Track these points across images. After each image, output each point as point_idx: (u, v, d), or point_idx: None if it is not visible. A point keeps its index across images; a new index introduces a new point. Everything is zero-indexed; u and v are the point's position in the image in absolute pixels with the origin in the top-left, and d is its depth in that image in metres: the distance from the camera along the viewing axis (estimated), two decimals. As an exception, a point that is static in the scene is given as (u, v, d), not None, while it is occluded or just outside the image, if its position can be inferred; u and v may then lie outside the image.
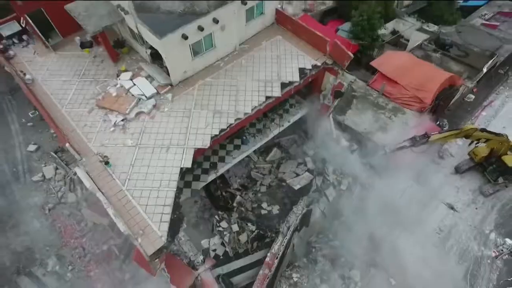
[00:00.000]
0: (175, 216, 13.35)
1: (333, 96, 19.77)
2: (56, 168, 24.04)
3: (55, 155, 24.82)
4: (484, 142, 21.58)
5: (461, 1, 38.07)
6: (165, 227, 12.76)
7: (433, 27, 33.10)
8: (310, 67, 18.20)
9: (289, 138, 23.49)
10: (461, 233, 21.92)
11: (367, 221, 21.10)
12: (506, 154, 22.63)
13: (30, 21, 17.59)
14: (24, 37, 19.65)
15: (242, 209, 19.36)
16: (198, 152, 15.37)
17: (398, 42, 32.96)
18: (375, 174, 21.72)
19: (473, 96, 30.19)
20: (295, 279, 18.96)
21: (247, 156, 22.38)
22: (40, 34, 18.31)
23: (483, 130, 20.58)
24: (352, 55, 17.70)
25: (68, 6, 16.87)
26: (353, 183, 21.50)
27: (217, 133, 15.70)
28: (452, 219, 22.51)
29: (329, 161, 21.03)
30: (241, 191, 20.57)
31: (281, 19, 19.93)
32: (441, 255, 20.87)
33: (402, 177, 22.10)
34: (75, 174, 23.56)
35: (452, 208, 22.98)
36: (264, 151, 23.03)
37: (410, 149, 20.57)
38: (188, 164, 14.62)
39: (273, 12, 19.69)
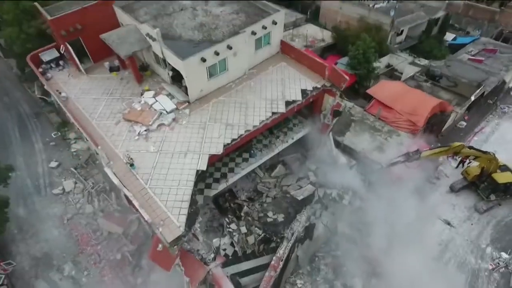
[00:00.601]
0: (192, 210, 14.92)
1: (332, 115, 21.91)
2: (75, 183, 25.88)
3: (74, 171, 26.80)
4: (473, 160, 23.32)
5: (450, 40, 41.59)
6: (183, 219, 14.30)
7: (424, 61, 36.23)
8: (311, 89, 20.55)
9: (292, 156, 25.33)
10: (458, 247, 22.91)
11: (367, 233, 22.29)
12: (496, 172, 24.19)
13: (70, 48, 20.39)
14: (61, 62, 22.47)
15: (249, 218, 20.71)
16: (212, 158, 17.22)
17: (392, 74, 35.92)
18: (373, 188, 23.26)
19: (464, 123, 32.38)
20: (299, 285, 19.84)
21: (254, 172, 24.17)
22: (76, 59, 21.04)
23: (470, 147, 22.45)
24: (347, 78, 20.10)
25: (103, 35, 19.70)
26: (353, 196, 22.93)
27: (229, 141, 17.65)
28: (449, 234, 23.60)
29: (330, 175, 22.65)
30: (248, 203, 22.06)
31: (285, 48, 22.75)
32: (439, 267, 21.74)
33: (399, 194, 23.45)
34: (92, 188, 25.45)
35: (448, 223, 24.14)
36: (269, 168, 24.81)
37: (404, 164, 22.34)
38: (203, 167, 16.44)
39: (279, 43, 22.54)
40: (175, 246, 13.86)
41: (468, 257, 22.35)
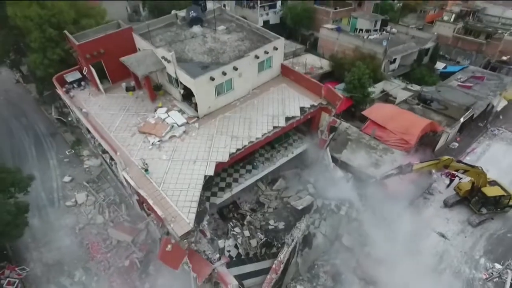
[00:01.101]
0: (200, 209, 16.37)
1: (328, 131, 23.76)
2: (87, 195, 27.40)
3: (87, 185, 28.40)
4: (462, 174, 24.78)
5: (441, 69, 44.40)
6: (192, 216, 15.75)
7: (416, 87, 38.63)
8: (309, 106, 22.57)
9: (292, 171, 26.89)
10: (453, 258, 23.81)
11: (364, 243, 23.32)
12: (485, 186, 25.53)
13: (93, 69, 22.78)
14: (82, 83, 24.83)
15: (252, 226, 21.90)
16: (218, 165, 18.89)
17: (387, 99, 38.22)
18: (369, 200, 24.57)
19: (457, 144, 34.10)
20: (299, 291, 20.67)
21: (256, 186, 25.66)
22: (97, 80, 23.38)
23: (459, 161, 24.02)
24: (342, 96, 22.18)
25: (123, 58, 22.10)
26: (350, 208, 24.18)
27: (234, 151, 19.39)
28: (444, 246, 24.56)
29: (327, 188, 24.06)
30: (250, 213, 23.36)
31: (285, 71, 25.11)
32: (435, 276, 22.51)
33: (394, 206, 24.70)
34: (103, 200, 26.91)
35: (443, 236, 25.15)
36: (271, 181, 26.31)
37: (398, 177, 23.83)
38: (210, 172, 18.08)
39: (279, 66, 24.94)
40: (185, 241, 15.18)
41: (462, 267, 23.18)
